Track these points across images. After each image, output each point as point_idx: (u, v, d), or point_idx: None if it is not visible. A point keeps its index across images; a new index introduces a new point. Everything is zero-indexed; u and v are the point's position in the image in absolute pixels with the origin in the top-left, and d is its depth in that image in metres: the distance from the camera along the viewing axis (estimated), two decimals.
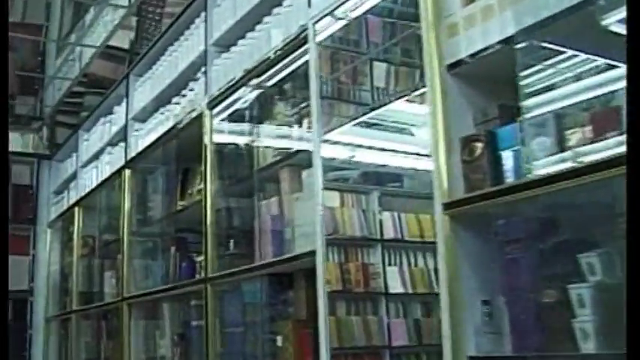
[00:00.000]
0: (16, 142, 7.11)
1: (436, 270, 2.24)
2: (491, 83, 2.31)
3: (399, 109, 3.25)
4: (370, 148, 3.52)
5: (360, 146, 3.42)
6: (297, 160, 3.23)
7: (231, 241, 3.62)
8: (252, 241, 3.48)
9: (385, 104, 3.14)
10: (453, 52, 2.24)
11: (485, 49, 2.12)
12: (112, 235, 5.56)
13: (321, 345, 2.71)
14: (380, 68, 3.20)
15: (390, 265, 3.56)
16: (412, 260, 3.71)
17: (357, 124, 3.23)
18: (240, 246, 3.58)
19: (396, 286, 3.51)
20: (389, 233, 3.57)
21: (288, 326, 3.15)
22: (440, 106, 2.27)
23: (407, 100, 3.11)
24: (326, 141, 2.92)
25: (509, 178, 2.03)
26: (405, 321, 3.50)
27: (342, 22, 2.85)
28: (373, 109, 3.12)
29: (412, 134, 3.58)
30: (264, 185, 3.41)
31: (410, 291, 3.55)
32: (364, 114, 3.13)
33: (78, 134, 6.35)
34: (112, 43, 6.41)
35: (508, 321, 2.03)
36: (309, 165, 3.08)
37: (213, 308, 3.62)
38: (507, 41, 2.05)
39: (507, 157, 2.05)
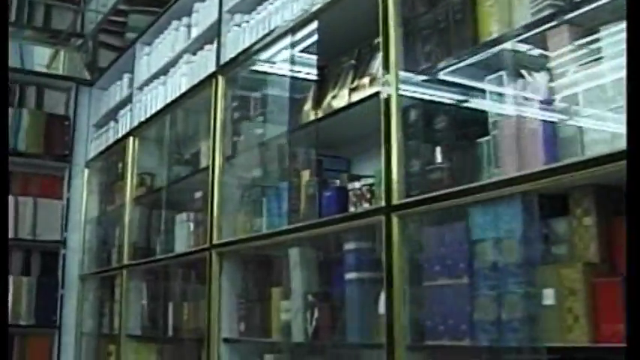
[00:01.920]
0: (49, 61, 5.87)
1: None
2: None
3: None
4: None
5: None
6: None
7: (437, 149, 2.39)
8: (477, 146, 2.27)
9: None
10: None
11: None
12: (186, 167, 4.33)
13: None
14: None
15: None
16: None
17: None
18: (455, 154, 2.36)
19: None
20: None
21: (574, 274, 1.93)
22: None
23: None
24: None
25: None
26: None
27: None
28: None
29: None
30: (514, 58, 2.19)
31: None
32: None
33: (135, 48, 5.09)
34: None
35: None
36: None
37: (400, 251, 2.40)
38: None
39: None
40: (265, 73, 3.57)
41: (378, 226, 2.52)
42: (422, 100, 2.51)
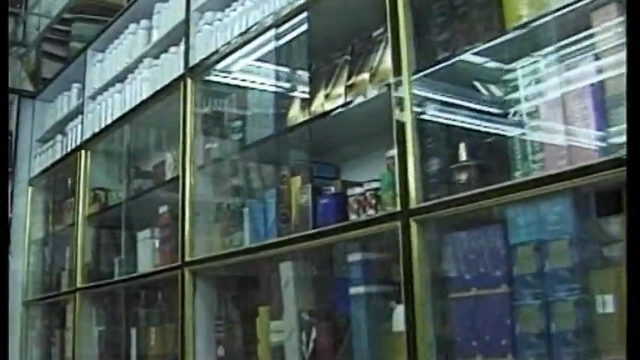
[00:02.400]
0: None
1: None
2: None
3: None
4: None
5: None
6: None
7: (461, 146, 2.16)
8: (508, 141, 2.05)
9: None
10: None
11: None
12: (147, 180, 4.00)
13: None
14: None
15: None
16: None
17: None
18: (482, 151, 2.13)
19: None
20: None
21: None
22: None
23: None
24: None
25: None
26: None
27: None
28: None
29: None
30: (551, 40, 1.97)
31: None
32: None
33: (85, 56, 4.73)
34: None
35: None
36: None
37: (421, 260, 2.15)
38: None
39: None
40: (240, 76, 3.28)
41: (387, 234, 2.27)
42: (439, 92, 2.27)
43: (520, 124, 2.05)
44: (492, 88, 2.22)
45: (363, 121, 2.68)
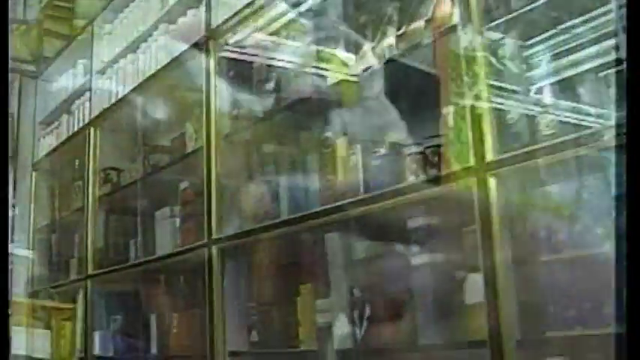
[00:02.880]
0: None
1: None
2: None
3: None
4: None
5: None
6: None
7: (545, 88, 1.89)
8: (603, 81, 1.77)
9: None
10: None
11: None
12: (164, 156, 3.72)
13: None
14: None
15: None
16: None
17: None
18: (574, 93, 1.86)
19: None
20: None
21: None
22: None
23: None
24: None
25: None
26: None
27: None
28: None
29: None
30: None
31: None
32: None
33: (91, 29, 4.44)
34: None
35: None
36: None
37: (502, 221, 1.88)
38: None
39: None
40: (271, 34, 3.00)
41: (454, 194, 2.00)
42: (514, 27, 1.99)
43: (619, 62, 1.77)
44: (582, 30, 1.93)
45: (415, 75, 2.41)
